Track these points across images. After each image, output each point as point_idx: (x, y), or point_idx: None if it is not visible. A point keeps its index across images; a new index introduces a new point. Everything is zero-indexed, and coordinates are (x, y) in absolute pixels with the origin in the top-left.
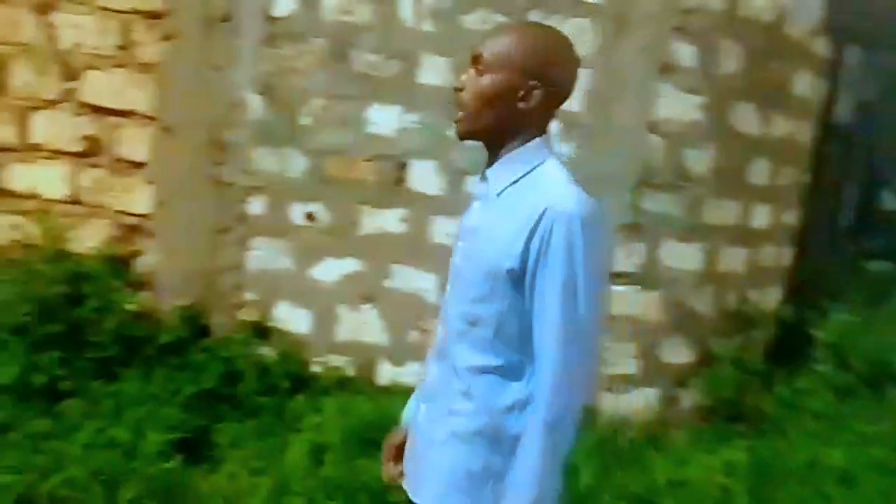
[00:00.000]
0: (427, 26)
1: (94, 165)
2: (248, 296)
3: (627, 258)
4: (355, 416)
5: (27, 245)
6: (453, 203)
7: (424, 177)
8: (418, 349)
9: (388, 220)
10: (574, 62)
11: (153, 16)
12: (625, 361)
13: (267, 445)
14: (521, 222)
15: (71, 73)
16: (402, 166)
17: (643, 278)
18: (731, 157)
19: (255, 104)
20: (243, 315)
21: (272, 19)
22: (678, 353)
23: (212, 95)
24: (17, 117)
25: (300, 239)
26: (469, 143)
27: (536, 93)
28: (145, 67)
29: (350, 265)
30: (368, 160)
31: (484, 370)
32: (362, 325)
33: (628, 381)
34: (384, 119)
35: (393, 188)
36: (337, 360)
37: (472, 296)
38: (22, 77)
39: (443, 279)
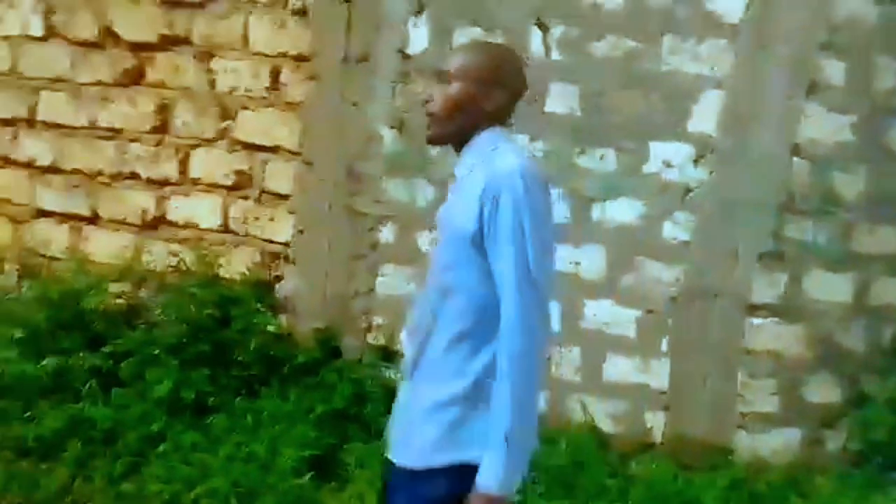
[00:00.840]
0: (555, 56)
1: (244, 197)
2: (377, 320)
3: (768, 288)
4: None
5: (183, 271)
6: (577, 231)
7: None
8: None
9: None
10: (520, 65)
11: (300, 59)
12: (763, 399)
13: None
14: (477, 189)
15: (226, 114)
16: None
17: (785, 310)
18: (885, 179)
19: (389, 137)
20: (372, 338)
21: (406, 57)
22: (824, 392)
23: (349, 130)
24: (179, 154)
25: (426, 266)
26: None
27: (494, 94)
28: (291, 106)
29: None
30: None
31: (460, 336)
32: None
33: (767, 420)
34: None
35: None
36: None
37: (441, 266)
38: (183, 118)
39: (565, 307)
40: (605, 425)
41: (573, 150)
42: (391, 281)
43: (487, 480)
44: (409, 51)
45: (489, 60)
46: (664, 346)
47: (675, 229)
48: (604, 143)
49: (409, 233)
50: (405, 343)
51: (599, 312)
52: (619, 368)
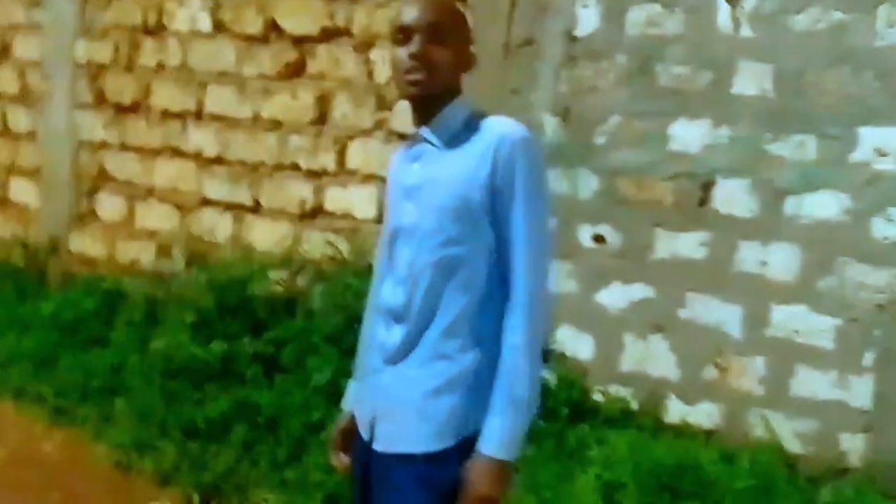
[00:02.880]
0: (746, 31)
1: None
2: None
3: None
4: (648, 458)
5: (339, 260)
6: (767, 227)
7: (733, 197)
8: (714, 388)
9: (686, 245)
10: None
11: None
12: None
13: (549, 473)
14: (480, 153)
15: (384, 104)
16: (707, 186)
17: None
18: None
19: (551, 125)
20: None
21: (574, 39)
22: None
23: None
24: (337, 145)
25: (587, 261)
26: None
27: (464, 55)
28: None
29: (640, 291)
30: (668, 179)
31: (466, 311)
32: (650, 357)
33: None
34: (690, 135)
35: (695, 210)
36: (620, 391)
37: (441, 241)
38: (342, 109)
39: (749, 311)
40: (792, 445)
41: (764, 137)
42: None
43: (495, 446)
44: (577, 33)
45: (461, 18)
46: (867, 361)
47: (886, 227)
48: (802, 128)
49: (569, 226)
50: (382, 328)
51: (790, 319)
52: (810, 383)
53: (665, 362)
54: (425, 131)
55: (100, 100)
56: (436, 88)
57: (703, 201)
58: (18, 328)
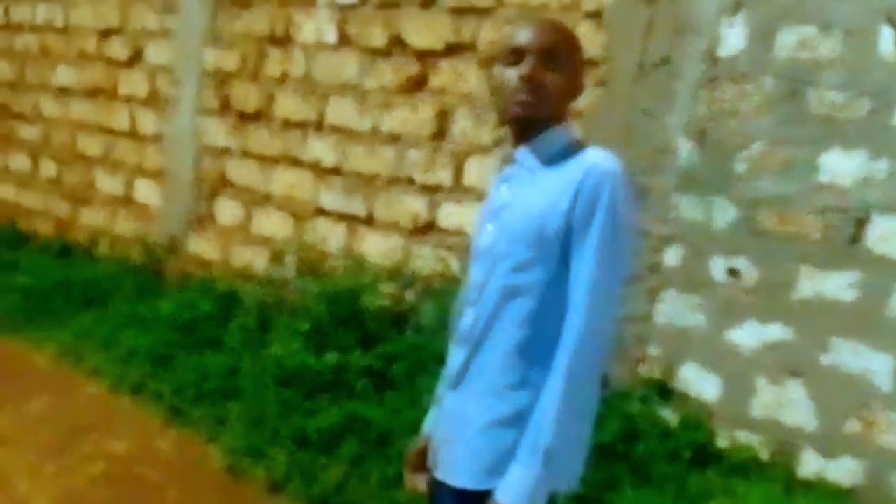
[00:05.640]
0: None
1: None
2: (652, 351)
3: None
4: None
5: (448, 277)
6: None
7: (890, 236)
8: (857, 442)
9: (833, 285)
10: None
11: (589, 64)
12: None
13: None
14: (566, 182)
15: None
16: (861, 222)
17: None
18: None
19: (685, 149)
20: (644, 370)
21: (716, 60)
22: None
23: (639, 141)
24: (454, 161)
25: (719, 296)
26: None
27: (573, 83)
28: (577, 115)
29: (776, 332)
30: (815, 213)
31: (524, 346)
32: (785, 403)
33: None
34: (843, 166)
35: (845, 247)
36: (748, 438)
37: (510, 266)
38: (461, 124)
39: None
40: None
41: None
42: (673, 309)
43: (510, 495)
44: (720, 53)
45: (574, 44)
46: None
47: None
48: None
49: (700, 257)
50: (452, 353)
51: None
52: None
53: (802, 411)
54: (521, 153)
55: (224, 107)
56: (541, 113)
57: (856, 239)
58: (138, 325)
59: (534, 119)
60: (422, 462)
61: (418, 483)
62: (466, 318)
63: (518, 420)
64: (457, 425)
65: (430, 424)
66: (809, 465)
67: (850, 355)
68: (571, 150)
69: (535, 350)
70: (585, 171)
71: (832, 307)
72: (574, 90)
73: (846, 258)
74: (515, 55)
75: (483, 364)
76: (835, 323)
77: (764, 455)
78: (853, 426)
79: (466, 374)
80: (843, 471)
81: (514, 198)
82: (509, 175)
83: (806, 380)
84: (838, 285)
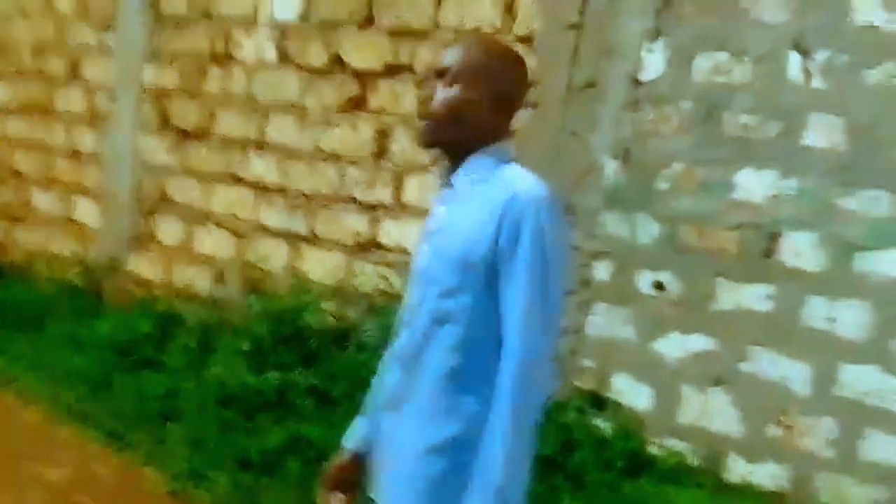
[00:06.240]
0: (817, 83)
1: None
2: (586, 362)
3: None
4: None
5: (390, 294)
6: (836, 282)
7: (801, 250)
8: (778, 447)
9: (750, 296)
10: (526, 71)
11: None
12: None
13: None
14: (491, 209)
15: None
16: (774, 237)
17: None
18: None
19: (611, 169)
20: (579, 381)
21: (638, 83)
22: None
23: (567, 161)
24: (394, 180)
25: (645, 309)
26: None
27: (498, 103)
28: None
29: (700, 342)
30: (732, 229)
31: (456, 372)
32: (710, 410)
33: None
34: (755, 184)
35: (759, 261)
36: (678, 445)
37: (440, 291)
38: (401, 143)
39: (816, 369)
40: None
41: (835, 190)
42: (603, 321)
43: None
44: (642, 77)
45: (494, 60)
46: None
47: None
48: (875, 183)
49: (626, 271)
50: (389, 373)
51: (859, 379)
52: (882, 448)
53: (726, 417)
54: (453, 176)
55: (164, 124)
56: (442, 136)
57: (769, 253)
58: (74, 347)
59: (434, 143)
60: (341, 480)
61: (333, 503)
62: (401, 339)
63: (450, 447)
64: (392, 449)
65: (352, 440)
66: (736, 469)
67: (767, 363)
68: (499, 172)
69: (468, 377)
70: (510, 196)
71: (750, 317)
72: (495, 106)
73: (761, 271)
74: (430, 78)
75: (416, 388)
76: (753, 332)
77: (693, 461)
78: (774, 431)
79: (401, 396)
80: (768, 475)
81: (447, 221)
82: (445, 197)
83: (728, 387)
84: (754, 297)
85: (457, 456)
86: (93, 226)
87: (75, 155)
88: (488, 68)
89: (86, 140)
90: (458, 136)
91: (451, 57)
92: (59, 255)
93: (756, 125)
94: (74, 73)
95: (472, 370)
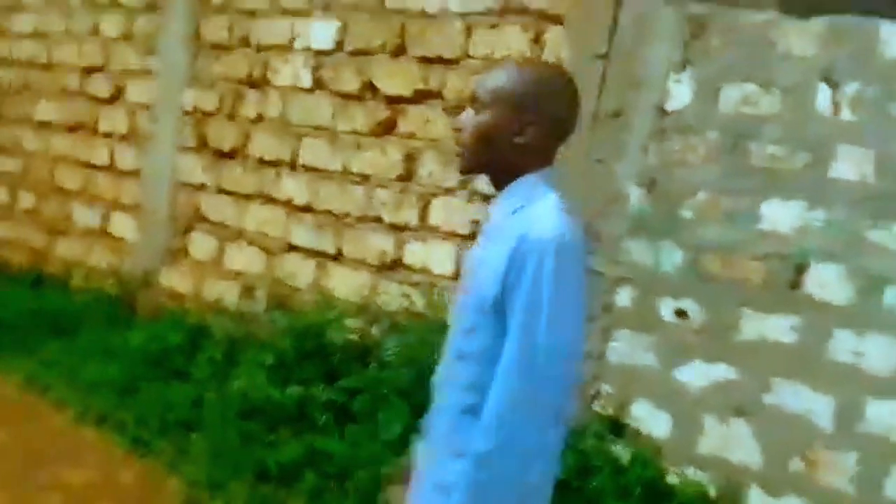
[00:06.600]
0: (846, 115)
1: None
2: (605, 388)
3: None
4: None
5: (414, 313)
6: (863, 316)
7: (828, 282)
8: (801, 481)
9: (775, 328)
10: (571, 95)
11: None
12: None
13: None
14: (505, 251)
15: None
16: (800, 268)
17: None
18: None
19: (635, 197)
20: (599, 407)
21: (664, 113)
22: None
23: (592, 188)
24: (420, 202)
25: (667, 336)
26: None
27: (531, 128)
28: None
29: (722, 371)
30: (757, 259)
31: (467, 412)
32: (731, 441)
33: None
34: (782, 215)
35: (785, 292)
36: (697, 475)
37: (461, 328)
38: (428, 167)
39: (841, 403)
40: None
41: (863, 223)
42: (625, 348)
43: None
44: (668, 107)
45: (527, 86)
46: None
47: None
48: None
49: (648, 298)
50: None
51: (886, 415)
52: None
53: (747, 449)
54: (492, 207)
55: (201, 145)
56: (473, 162)
57: (796, 284)
58: (106, 355)
59: (466, 171)
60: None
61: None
62: (438, 369)
63: (448, 493)
64: (420, 478)
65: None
66: (755, 502)
67: (791, 396)
68: (531, 207)
69: (476, 420)
70: (519, 240)
71: (774, 349)
72: (533, 130)
73: (786, 302)
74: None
75: (438, 422)
76: (777, 364)
77: (712, 491)
78: (797, 465)
79: (430, 424)
80: None
81: (477, 259)
82: (485, 230)
83: (750, 419)
84: (779, 328)
85: (464, 494)
86: (129, 240)
87: (116, 172)
88: (522, 93)
89: (126, 158)
90: (490, 162)
91: (480, 84)
92: (96, 267)
93: (784, 156)
94: (118, 94)
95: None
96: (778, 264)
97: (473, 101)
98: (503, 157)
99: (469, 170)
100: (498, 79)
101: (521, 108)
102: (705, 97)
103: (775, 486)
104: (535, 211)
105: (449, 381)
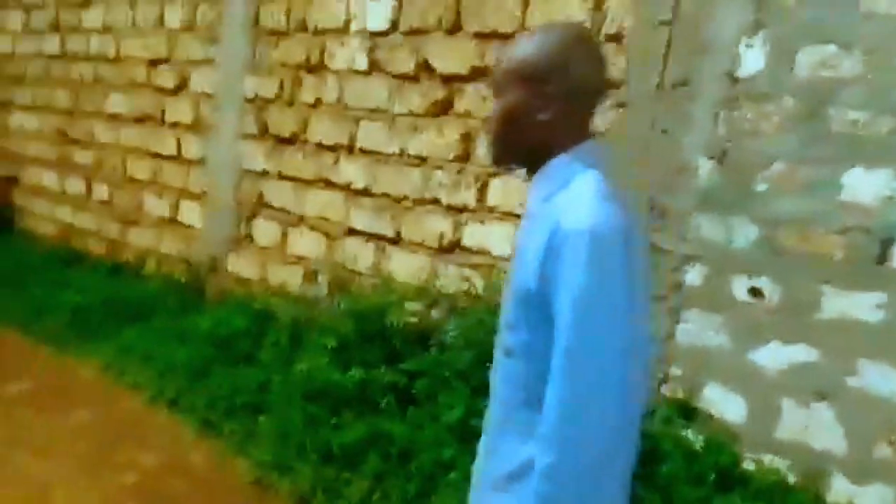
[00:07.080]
0: None
1: None
2: (675, 370)
3: None
4: None
5: (473, 296)
6: None
7: None
8: (888, 468)
9: (859, 306)
10: (591, 55)
11: (609, 86)
12: None
13: None
14: (541, 241)
15: None
16: (886, 242)
17: None
18: None
19: (705, 169)
20: (667, 390)
21: (735, 80)
22: None
23: (659, 161)
24: (478, 182)
25: (741, 316)
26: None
27: (553, 101)
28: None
29: (802, 353)
30: (839, 233)
31: (516, 408)
32: (812, 426)
33: None
34: (866, 185)
35: (870, 268)
36: (775, 462)
37: (505, 322)
38: (484, 147)
39: None
40: None
41: None
42: (695, 328)
43: None
44: (739, 74)
45: (537, 56)
46: None
47: None
48: None
49: (721, 276)
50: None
51: None
52: None
53: (830, 434)
54: (529, 191)
55: (263, 132)
56: (501, 150)
57: (881, 259)
58: (178, 340)
59: (497, 161)
60: None
61: None
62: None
63: (502, 490)
64: (477, 475)
65: None
66: (840, 490)
67: (877, 378)
68: (568, 189)
69: (527, 417)
70: (552, 227)
71: (858, 328)
72: (556, 104)
73: (871, 279)
74: None
75: (490, 417)
76: (861, 344)
77: (791, 479)
78: (883, 451)
79: (486, 424)
80: (875, 498)
81: (517, 246)
82: (527, 213)
83: (833, 402)
84: (863, 306)
85: (518, 492)
86: (197, 227)
87: (182, 161)
88: (536, 65)
89: (192, 147)
90: (519, 146)
91: (495, 67)
92: (167, 255)
93: (866, 121)
94: (183, 84)
95: (532, 409)
96: (861, 238)
97: (493, 87)
98: (531, 138)
99: (500, 159)
100: (510, 56)
101: (539, 82)
102: (779, 61)
103: (860, 474)
104: (568, 196)
105: (497, 375)
